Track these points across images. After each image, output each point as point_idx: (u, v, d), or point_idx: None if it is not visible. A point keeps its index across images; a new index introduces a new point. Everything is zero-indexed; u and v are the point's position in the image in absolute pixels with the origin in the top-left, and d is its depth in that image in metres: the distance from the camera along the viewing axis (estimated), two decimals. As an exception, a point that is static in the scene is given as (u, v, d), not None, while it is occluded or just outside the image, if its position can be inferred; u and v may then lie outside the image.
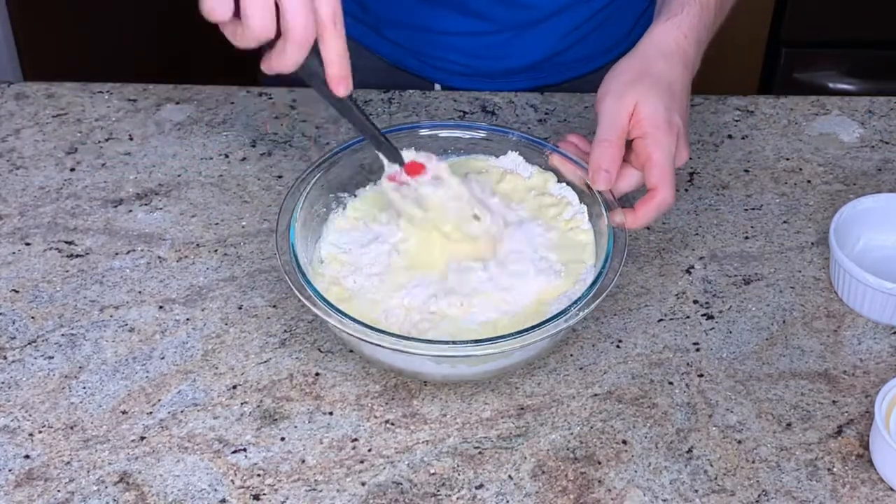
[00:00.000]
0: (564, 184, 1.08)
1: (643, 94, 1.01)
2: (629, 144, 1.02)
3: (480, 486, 0.92)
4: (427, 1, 1.26)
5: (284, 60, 0.89)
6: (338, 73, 0.92)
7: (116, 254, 1.11)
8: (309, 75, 0.92)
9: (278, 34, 0.88)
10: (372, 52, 1.32)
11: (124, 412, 0.97)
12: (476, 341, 0.93)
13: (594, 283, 0.96)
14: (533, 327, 0.93)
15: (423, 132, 1.09)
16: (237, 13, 0.87)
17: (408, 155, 1.01)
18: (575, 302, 0.95)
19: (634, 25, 1.33)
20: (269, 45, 0.90)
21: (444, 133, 1.10)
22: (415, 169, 1.00)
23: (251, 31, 0.87)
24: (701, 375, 1.01)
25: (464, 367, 0.96)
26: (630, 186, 1.03)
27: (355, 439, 0.96)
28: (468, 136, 1.10)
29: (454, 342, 0.94)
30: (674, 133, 1.00)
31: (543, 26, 1.27)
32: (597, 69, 1.33)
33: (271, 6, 0.87)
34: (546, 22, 1.27)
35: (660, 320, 1.06)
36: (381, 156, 1.01)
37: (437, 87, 1.33)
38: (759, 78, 2.27)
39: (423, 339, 0.94)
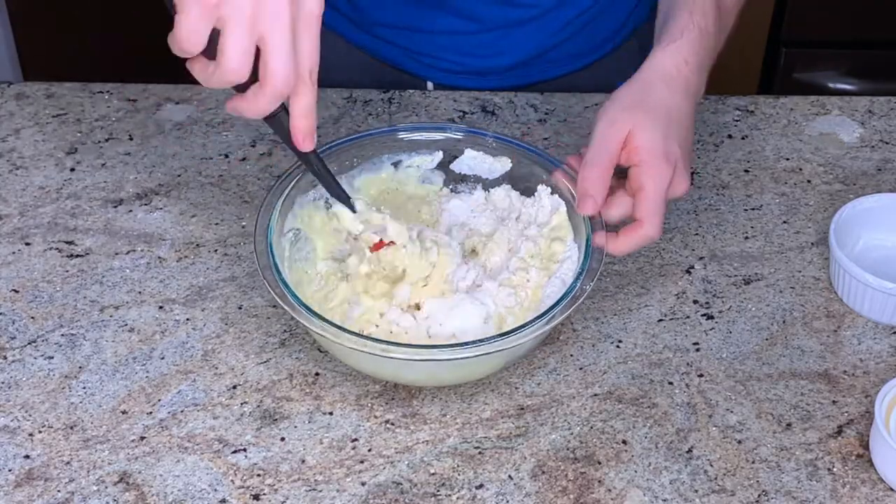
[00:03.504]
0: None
1: (640, 121, 0.99)
2: (624, 172, 1.00)
3: (480, 486, 0.92)
4: (415, 0, 1.26)
5: (255, 107, 0.85)
6: (303, 128, 0.88)
7: (116, 254, 1.11)
8: (274, 124, 0.90)
9: (251, 78, 0.84)
10: (362, 49, 1.33)
11: (124, 412, 0.97)
12: (442, 346, 0.94)
13: (566, 292, 0.96)
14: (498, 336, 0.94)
15: (402, 135, 1.09)
16: (207, 50, 0.83)
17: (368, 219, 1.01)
18: (543, 314, 0.94)
19: (625, 21, 1.33)
20: (239, 88, 0.86)
21: (421, 135, 1.09)
22: (378, 246, 1.01)
23: (224, 73, 0.82)
24: (701, 375, 1.01)
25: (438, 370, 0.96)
26: (622, 214, 1.00)
27: (355, 439, 0.96)
28: (444, 138, 1.09)
29: (415, 346, 0.95)
30: (671, 163, 0.98)
31: (533, 24, 1.28)
32: (588, 65, 1.33)
33: (252, 47, 0.82)
34: (536, 20, 1.27)
35: (660, 320, 1.06)
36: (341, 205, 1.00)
37: (430, 84, 1.33)
38: (759, 78, 2.26)
39: (384, 341, 0.93)
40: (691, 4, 1.07)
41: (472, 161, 1.10)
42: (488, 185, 1.09)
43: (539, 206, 1.06)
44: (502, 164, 1.09)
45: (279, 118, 0.89)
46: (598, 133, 1.00)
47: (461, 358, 0.92)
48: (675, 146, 0.99)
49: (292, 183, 1.03)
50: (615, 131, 0.99)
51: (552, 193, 1.05)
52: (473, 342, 0.93)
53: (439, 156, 1.09)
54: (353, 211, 1.00)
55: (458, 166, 1.10)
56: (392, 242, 1.00)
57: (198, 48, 0.82)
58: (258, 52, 0.83)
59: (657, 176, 0.98)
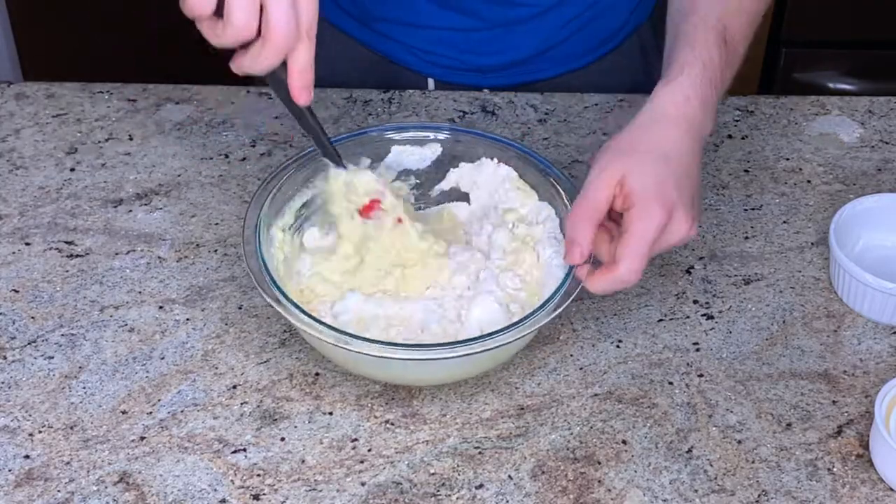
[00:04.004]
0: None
1: (632, 165, 0.95)
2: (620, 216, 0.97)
3: (480, 486, 0.92)
4: None
5: (258, 62, 0.89)
6: (301, 83, 0.92)
7: (116, 254, 1.11)
8: (274, 80, 0.93)
9: (256, 38, 0.89)
10: (363, 45, 1.33)
11: (124, 412, 0.97)
12: (438, 345, 0.94)
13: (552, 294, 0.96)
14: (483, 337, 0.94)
15: (389, 135, 1.09)
16: (218, 11, 0.87)
17: (363, 177, 1.02)
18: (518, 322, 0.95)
19: (626, 20, 1.33)
20: (243, 45, 0.90)
21: (409, 134, 1.09)
22: (371, 206, 1.02)
23: (233, 29, 0.87)
24: (701, 375, 1.01)
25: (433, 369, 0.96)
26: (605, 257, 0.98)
27: (355, 439, 0.96)
28: (433, 137, 1.09)
29: (398, 344, 0.95)
30: (664, 207, 0.94)
31: (534, 23, 1.28)
32: (589, 64, 1.33)
33: (256, 5, 0.87)
34: (536, 18, 1.27)
35: (660, 320, 1.06)
36: (329, 163, 1.02)
37: (430, 82, 1.33)
38: (759, 78, 2.26)
39: (368, 339, 0.93)
40: (692, 38, 1.03)
41: (399, 156, 1.09)
42: (421, 174, 1.10)
43: (495, 179, 1.07)
44: (432, 151, 1.09)
45: (277, 74, 0.92)
46: (588, 180, 0.97)
47: (524, 335, 0.93)
48: (672, 189, 0.95)
49: (281, 181, 1.04)
50: (605, 178, 0.95)
51: (498, 163, 1.07)
52: (541, 307, 0.94)
53: (367, 162, 1.07)
54: (344, 168, 1.01)
55: (389, 164, 1.09)
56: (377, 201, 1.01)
57: (208, 10, 0.87)
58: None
59: (645, 219, 0.94)
